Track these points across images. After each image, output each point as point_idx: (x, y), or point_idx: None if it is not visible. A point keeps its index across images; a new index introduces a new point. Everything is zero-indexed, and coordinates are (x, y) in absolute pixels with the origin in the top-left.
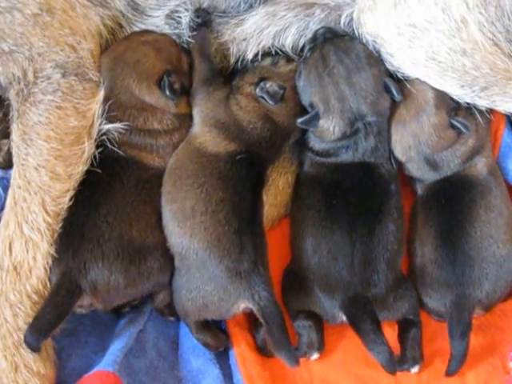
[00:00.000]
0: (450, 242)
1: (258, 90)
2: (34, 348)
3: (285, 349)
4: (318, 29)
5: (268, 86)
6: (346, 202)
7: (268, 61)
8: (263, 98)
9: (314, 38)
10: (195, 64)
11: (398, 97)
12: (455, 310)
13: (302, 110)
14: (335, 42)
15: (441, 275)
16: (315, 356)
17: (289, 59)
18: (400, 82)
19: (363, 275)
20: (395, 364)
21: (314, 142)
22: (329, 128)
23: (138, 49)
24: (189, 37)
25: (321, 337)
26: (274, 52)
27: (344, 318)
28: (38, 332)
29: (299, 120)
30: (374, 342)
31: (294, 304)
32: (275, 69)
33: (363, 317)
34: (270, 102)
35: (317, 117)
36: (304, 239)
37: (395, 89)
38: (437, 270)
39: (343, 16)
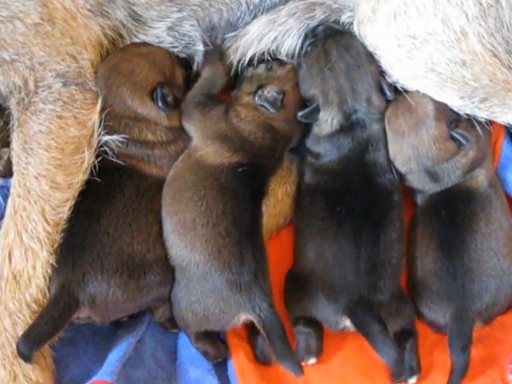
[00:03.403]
0: (451, 254)
1: (256, 98)
2: (26, 357)
3: (288, 359)
4: (318, 25)
5: (266, 92)
6: (350, 210)
7: (262, 67)
8: (263, 106)
9: (315, 34)
10: (195, 87)
11: (389, 95)
12: (456, 323)
13: (300, 111)
14: (337, 39)
15: (441, 288)
16: (312, 361)
17: (282, 62)
18: (400, 93)
19: (369, 279)
20: (403, 365)
21: (312, 143)
22: (327, 120)
23: (132, 60)
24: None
25: (320, 343)
26: (267, 58)
27: (346, 324)
28: (31, 342)
29: (300, 113)
30: (383, 343)
31: (296, 309)
32: (271, 73)
33: (369, 319)
34: (271, 110)
35: (317, 109)
36: (308, 246)
37: (387, 87)
38: (437, 282)
39: (343, 18)
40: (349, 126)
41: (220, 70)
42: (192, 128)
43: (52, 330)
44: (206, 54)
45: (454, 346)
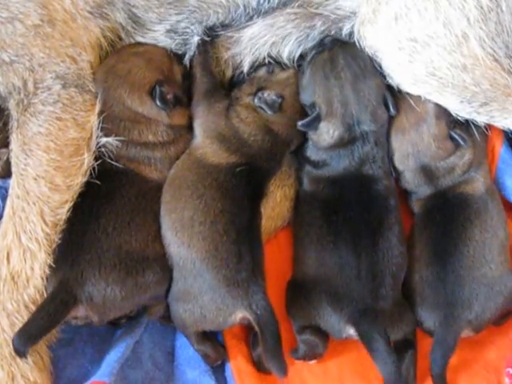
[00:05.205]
0: (443, 260)
1: (256, 100)
2: (20, 352)
3: (276, 359)
4: (325, 36)
5: (266, 95)
6: (347, 217)
7: (263, 70)
8: (261, 107)
9: (322, 44)
10: (196, 77)
11: (393, 111)
12: (442, 329)
13: (301, 119)
14: (344, 47)
15: (430, 294)
16: (313, 362)
17: (283, 67)
18: (401, 92)
19: (371, 287)
20: (401, 381)
21: (312, 152)
22: (329, 131)
23: (128, 60)
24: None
25: (324, 349)
26: (268, 61)
27: (350, 332)
28: (26, 337)
29: (300, 122)
30: (384, 360)
31: (300, 318)
32: (272, 77)
33: (374, 332)
34: (269, 111)
35: (318, 119)
36: (308, 255)
37: (392, 103)
38: (427, 288)
39: (344, 29)
40: (350, 139)
41: (208, 52)
42: (197, 121)
43: (48, 325)
44: (198, 45)
45: (435, 351)
